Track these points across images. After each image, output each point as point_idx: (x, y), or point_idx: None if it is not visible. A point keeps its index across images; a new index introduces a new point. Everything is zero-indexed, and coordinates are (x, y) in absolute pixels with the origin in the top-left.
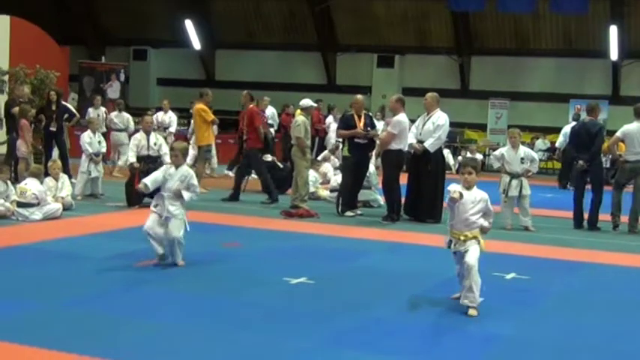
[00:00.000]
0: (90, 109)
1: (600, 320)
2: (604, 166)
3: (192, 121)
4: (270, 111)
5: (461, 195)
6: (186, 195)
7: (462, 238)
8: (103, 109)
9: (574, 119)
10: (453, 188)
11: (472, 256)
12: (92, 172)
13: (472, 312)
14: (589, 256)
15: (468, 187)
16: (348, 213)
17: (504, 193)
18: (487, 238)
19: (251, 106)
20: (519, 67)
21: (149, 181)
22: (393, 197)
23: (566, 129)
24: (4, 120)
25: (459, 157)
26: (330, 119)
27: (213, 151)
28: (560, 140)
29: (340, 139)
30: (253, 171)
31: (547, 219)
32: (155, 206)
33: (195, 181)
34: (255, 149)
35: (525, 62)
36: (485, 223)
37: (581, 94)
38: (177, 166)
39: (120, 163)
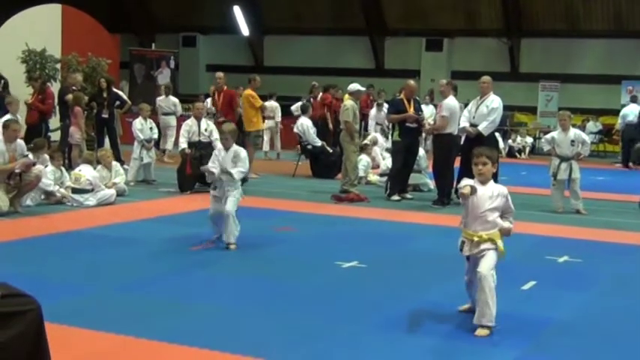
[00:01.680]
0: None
1: None
2: None
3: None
4: (320, 96)
5: (472, 190)
6: (235, 173)
7: (476, 239)
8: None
9: (632, 101)
10: (464, 182)
11: (485, 264)
12: (144, 159)
13: (482, 332)
14: None
15: (483, 181)
16: (394, 197)
17: (553, 177)
18: (539, 221)
19: (225, 88)
20: (570, 49)
21: (212, 168)
22: (443, 181)
23: (625, 111)
24: (57, 107)
25: (509, 141)
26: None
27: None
28: (619, 122)
29: (390, 124)
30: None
31: (599, 202)
32: (214, 189)
33: (243, 155)
34: None
35: (576, 44)
36: (506, 224)
37: (633, 76)
38: (227, 149)
39: (168, 146)
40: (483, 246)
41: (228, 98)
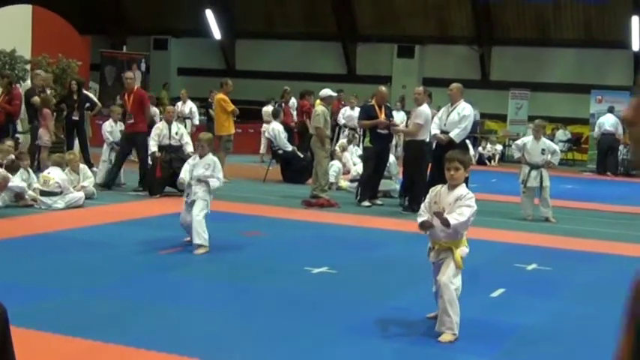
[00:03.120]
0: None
1: (621, 312)
2: (623, 157)
3: (210, 111)
4: (292, 101)
5: (428, 225)
6: (212, 182)
7: (437, 247)
8: None
9: (609, 111)
10: (422, 219)
11: (445, 273)
12: (113, 161)
13: (446, 337)
14: (611, 247)
15: (454, 186)
16: (365, 203)
17: (523, 184)
18: (508, 229)
19: (136, 88)
20: (540, 58)
21: (183, 175)
22: (415, 188)
23: (601, 120)
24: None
25: (479, 148)
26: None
27: None
28: (596, 131)
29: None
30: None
31: (568, 210)
32: (187, 195)
33: (219, 168)
34: (144, 133)
35: (546, 53)
36: (450, 216)
37: (602, 85)
38: (201, 156)
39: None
40: (443, 254)
41: (139, 99)
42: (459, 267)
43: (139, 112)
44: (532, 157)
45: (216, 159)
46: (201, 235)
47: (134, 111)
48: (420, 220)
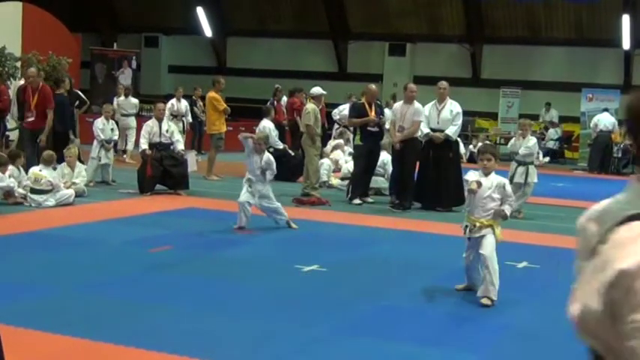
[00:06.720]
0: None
1: None
2: (616, 156)
3: (194, 109)
4: (283, 99)
5: (479, 184)
6: (268, 175)
7: (478, 224)
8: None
9: (604, 110)
10: (471, 178)
11: (488, 247)
12: (102, 159)
13: (487, 301)
14: None
15: (487, 174)
16: (356, 201)
17: (510, 180)
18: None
19: (41, 84)
20: (531, 56)
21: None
22: (405, 185)
23: (597, 118)
24: (15, 105)
25: (470, 146)
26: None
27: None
28: (592, 129)
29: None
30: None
31: (559, 208)
32: (249, 186)
33: (272, 163)
34: (38, 130)
35: (537, 51)
36: (504, 206)
37: (592, 84)
38: (259, 153)
39: (129, 147)
40: (484, 230)
41: (45, 96)
42: (499, 239)
43: (42, 109)
44: (519, 155)
45: (269, 156)
46: (283, 215)
47: (38, 108)
48: (472, 178)
